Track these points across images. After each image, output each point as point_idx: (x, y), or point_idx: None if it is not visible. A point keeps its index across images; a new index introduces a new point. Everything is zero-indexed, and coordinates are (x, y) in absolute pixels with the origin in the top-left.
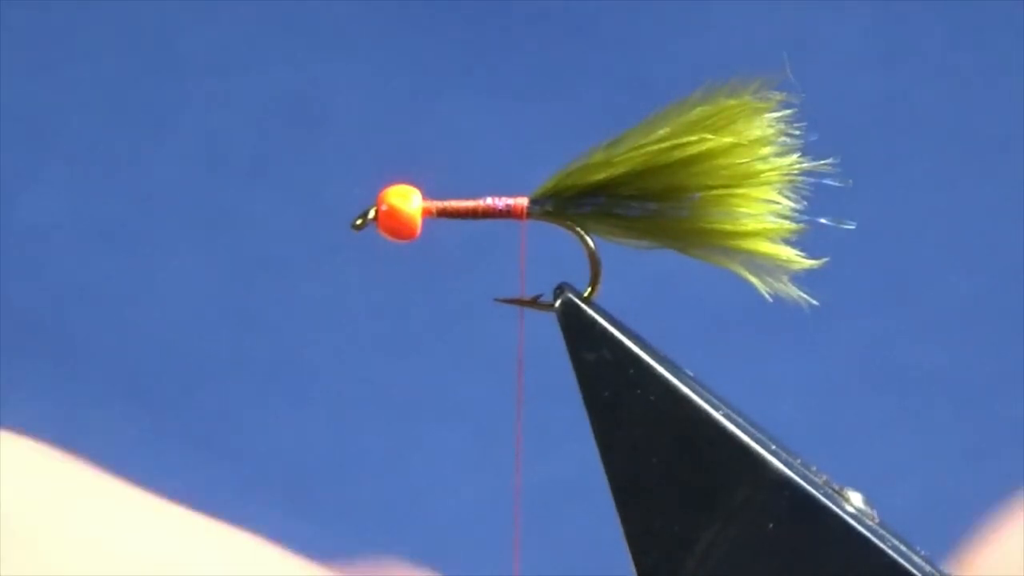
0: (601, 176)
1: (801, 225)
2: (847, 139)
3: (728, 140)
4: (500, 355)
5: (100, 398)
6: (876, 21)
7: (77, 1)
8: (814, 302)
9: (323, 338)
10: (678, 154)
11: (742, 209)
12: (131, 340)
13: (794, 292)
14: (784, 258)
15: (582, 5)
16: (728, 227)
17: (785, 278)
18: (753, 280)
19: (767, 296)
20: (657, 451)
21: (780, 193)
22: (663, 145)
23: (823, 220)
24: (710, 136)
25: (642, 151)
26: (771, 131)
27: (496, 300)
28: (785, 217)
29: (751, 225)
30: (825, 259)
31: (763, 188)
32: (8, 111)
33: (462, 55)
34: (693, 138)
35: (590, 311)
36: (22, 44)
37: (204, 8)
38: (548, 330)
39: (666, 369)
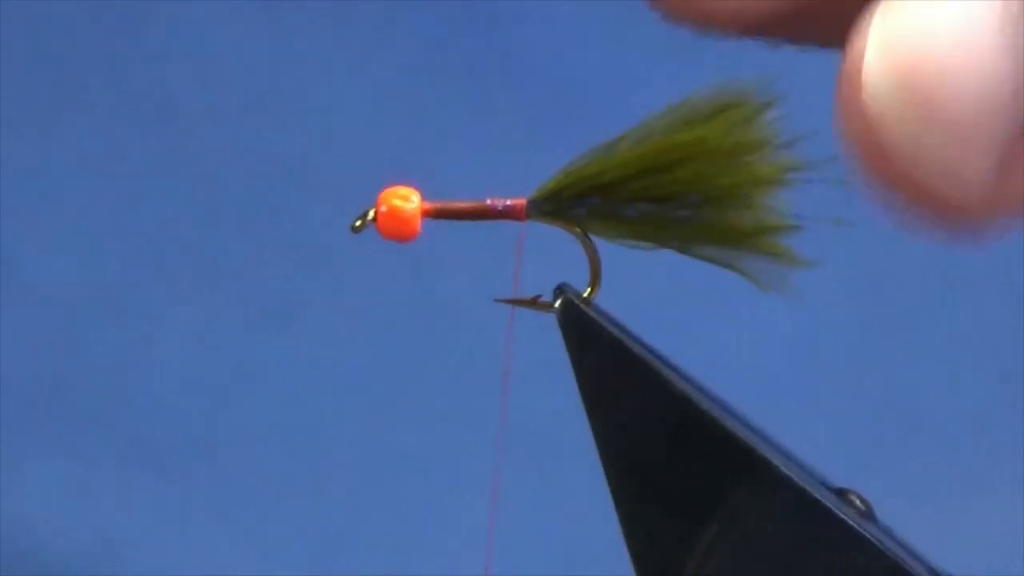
0: (600, 177)
1: (799, 225)
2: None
3: (726, 140)
4: (519, 422)
5: (111, 464)
6: None
7: (77, 60)
8: (806, 300)
9: (330, 396)
10: (676, 155)
11: (741, 209)
12: (140, 403)
13: (792, 292)
14: (783, 258)
15: (583, 7)
16: (727, 227)
17: (784, 279)
18: (753, 280)
19: (766, 294)
20: (657, 452)
21: (779, 193)
22: (661, 146)
23: (821, 220)
24: (707, 136)
25: (640, 152)
26: (769, 131)
27: (496, 300)
28: (784, 216)
29: (750, 225)
30: (821, 259)
31: (761, 188)
32: (6, 167)
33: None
34: (690, 138)
35: (590, 312)
36: (22, 103)
37: (203, 63)
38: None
39: (666, 370)
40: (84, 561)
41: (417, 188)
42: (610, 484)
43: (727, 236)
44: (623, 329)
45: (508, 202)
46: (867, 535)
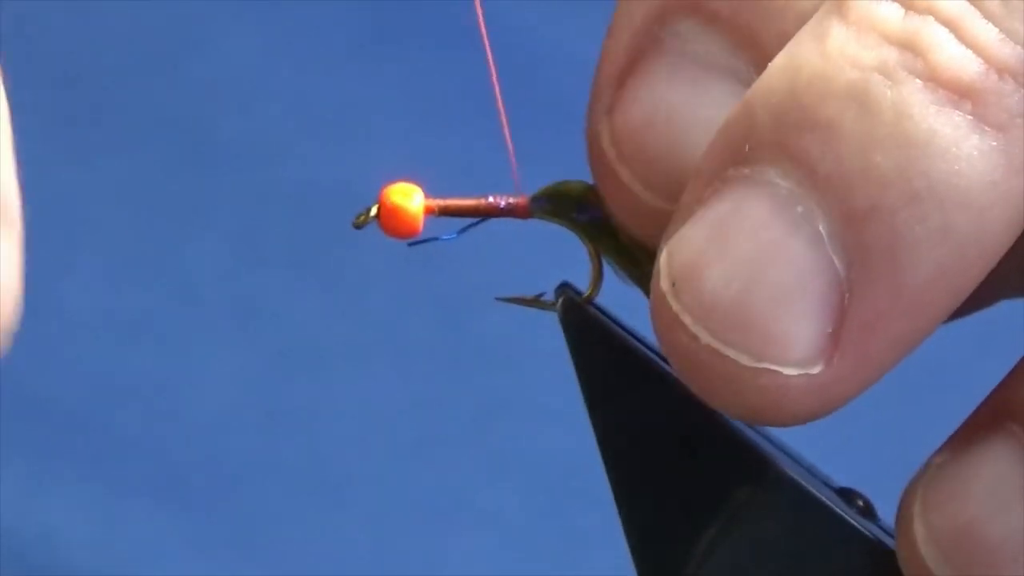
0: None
1: None
2: None
3: None
4: (537, 462)
5: (135, 494)
6: None
7: (114, 89)
8: None
9: (359, 436)
10: None
11: None
12: (166, 436)
13: None
14: None
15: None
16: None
17: None
18: None
19: None
20: (658, 450)
21: None
22: None
23: None
24: None
25: None
26: None
27: (497, 299)
28: None
29: None
30: None
31: None
32: (44, 200)
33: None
34: None
35: (591, 310)
36: (58, 132)
37: (242, 98)
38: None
39: (668, 368)
40: None
41: (420, 185)
42: (611, 482)
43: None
44: (625, 328)
45: (511, 199)
46: (869, 535)
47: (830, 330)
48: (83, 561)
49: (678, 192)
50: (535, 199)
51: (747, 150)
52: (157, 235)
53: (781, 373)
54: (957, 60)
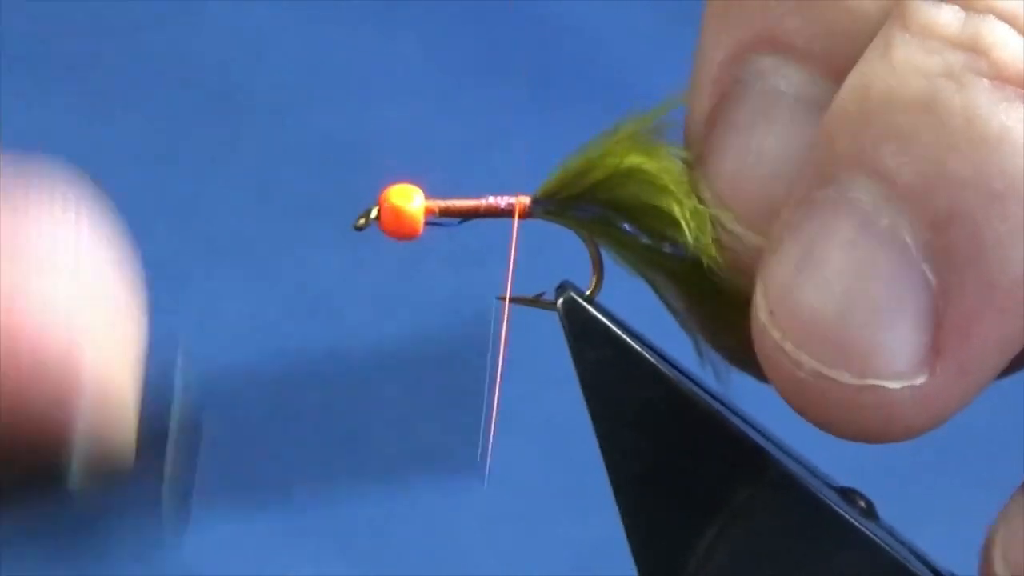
0: (597, 180)
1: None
2: None
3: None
4: (552, 416)
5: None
6: None
7: (135, 39)
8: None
9: (373, 384)
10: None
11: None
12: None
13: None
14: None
15: (585, 7)
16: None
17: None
18: (702, 358)
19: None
20: (659, 449)
21: None
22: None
23: None
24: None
25: (629, 157)
26: None
27: (499, 298)
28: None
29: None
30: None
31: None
32: (64, 147)
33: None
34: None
35: (592, 309)
36: (77, 80)
37: (262, 51)
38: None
39: (668, 368)
40: None
41: (421, 186)
42: (612, 482)
43: (686, 292)
44: (625, 327)
45: (511, 200)
46: (870, 534)
47: (929, 339)
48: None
49: None
50: (536, 200)
51: (828, 171)
52: (174, 180)
53: (885, 388)
54: (1021, 54)
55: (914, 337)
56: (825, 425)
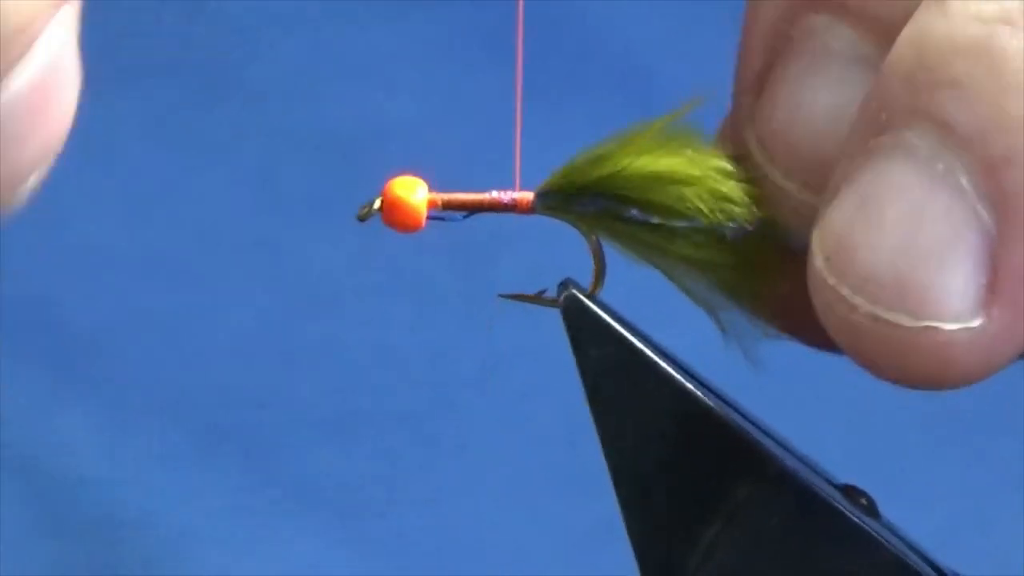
0: (605, 174)
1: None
2: None
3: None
4: (545, 399)
5: (148, 415)
6: None
7: (139, 23)
8: (768, 370)
9: (372, 374)
10: (672, 173)
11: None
12: (181, 365)
13: (755, 358)
14: (759, 316)
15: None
16: (719, 259)
17: (752, 338)
18: (724, 334)
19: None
20: (661, 447)
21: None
22: (663, 150)
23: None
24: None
25: (645, 154)
26: None
27: (500, 296)
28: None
29: (737, 265)
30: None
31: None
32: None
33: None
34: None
35: (594, 307)
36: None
37: (267, 39)
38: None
39: (670, 365)
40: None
41: (425, 179)
42: (613, 479)
43: (716, 270)
44: (627, 324)
45: (514, 195)
46: (870, 531)
47: (985, 281)
48: (95, 472)
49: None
50: (539, 195)
51: (884, 120)
52: (176, 167)
53: (942, 329)
54: None
55: (971, 279)
56: (882, 370)
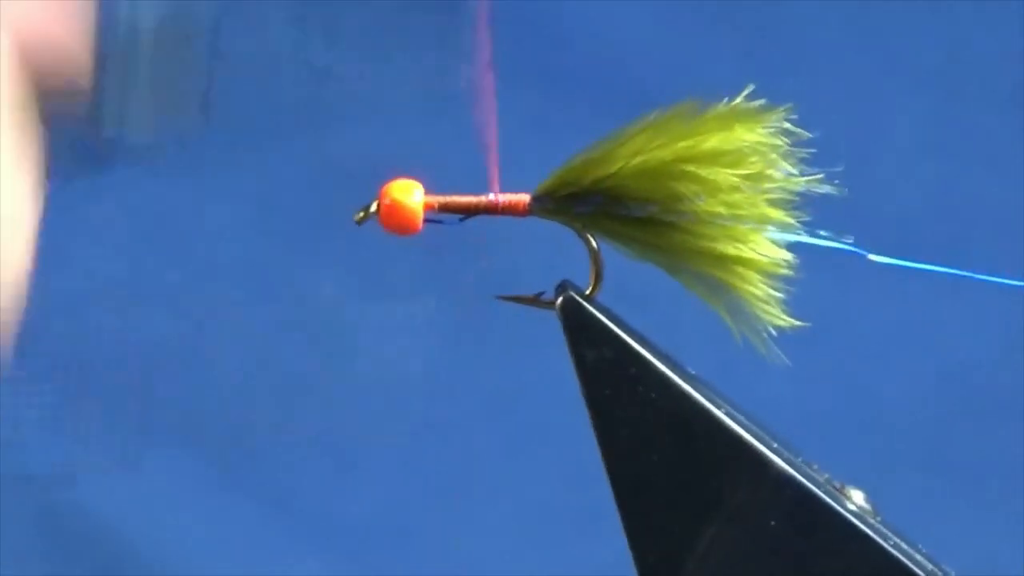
0: (602, 174)
1: (793, 271)
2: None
3: (727, 144)
4: (548, 431)
5: (157, 444)
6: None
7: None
8: (787, 361)
9: (374, 405)
10: (676, 156)
11: (738, 227)
12: (186, 395)
13: (767, 349)
14: (768, 312)
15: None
16: (721, 251)
17: (762, 332)
18: (731, 325)
19: (738, 342)
20: (658, 449)
21: (778, 208)
22: (662, 146)
23: (822, 233)
24: (709, 137)
25: (642, 152)
26: (769, 141)
27: (498, 298)
28: (779, 259)
29: (746, 253)
30: (807, 323)
31: (760, 202)
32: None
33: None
34: (692, 141)
35: (591, 309)
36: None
37: (261, 71)
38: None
39: (668, 367)
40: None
41: (422, 182)
42: (611, 481)
43: (719, 262)
44: (625, 326)
45: (511, 198)
46: (867, 531)
47: None
48: (103, 502)
49: None
50: (536, 198)
51: None
52: (176, 200)
53: None
54: None
55: None
56: None
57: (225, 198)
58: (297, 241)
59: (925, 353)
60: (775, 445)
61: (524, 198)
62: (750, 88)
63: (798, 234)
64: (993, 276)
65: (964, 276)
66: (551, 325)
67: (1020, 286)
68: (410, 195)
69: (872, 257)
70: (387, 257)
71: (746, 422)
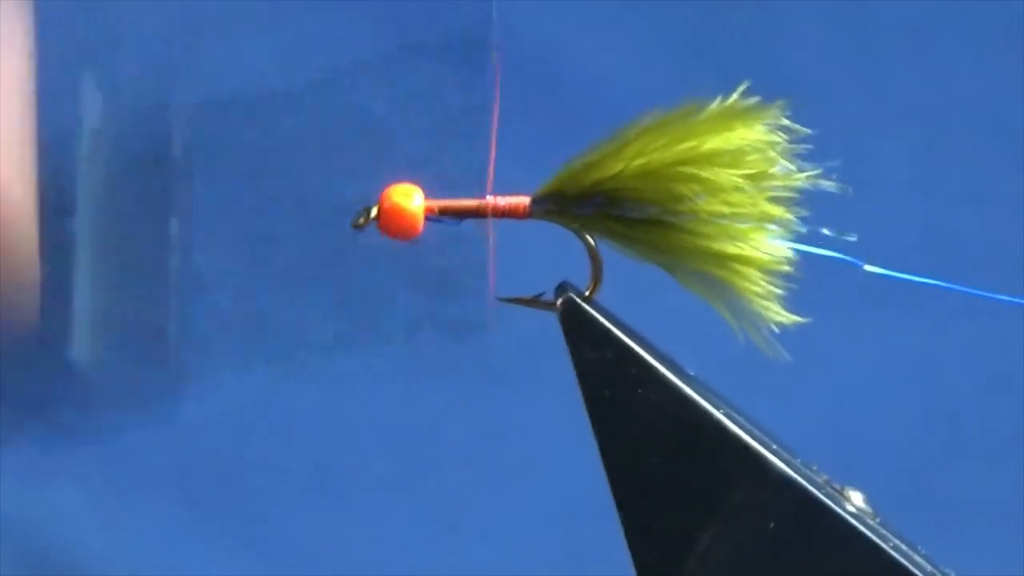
0: (603, 176)
1: (793, 268)
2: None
3: (727, 144)
4: (537, 471)
5: (144, 491)
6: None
7: (127, 93)
8: (787, 357)
9: (365, 445)
10: (677, 156)
11: (738, 225)
12: (175, 439)
13: (769, 345)
14: (768, 309)
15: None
16: (722, 249)
17: (763, 329)
18: (732, 324)
19: (741, 341)
20: (658, 450)
21: (778, 205)
22: (662, 147)
23: (825, 231)
24: (709, 137)
25: (643, 153)
26: (770, 140)
27: (498, 299)
28: (779, 256)
29: (746, 251)
30: (807, 319)
31: (760, 200)
32: (57, 204)
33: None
34: (692, 142)
35: (591, 310)
36: None
37: (253, 110)
38: None
39: (667, 368)
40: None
41: (421, 186)
42: (611, 482)
43: (719, 261)
44: (625, 327)
45: (511, 200)
46: (867, 532)
47: None
48: (89, 544)
49: None
50: (536, 200)
51: None
52: (164, 241)
53: None
54: None
55: None
56: None
57: (215, 236)
58: (284, 281)
59: (911, 390)
60: (774, 447)
61: (524, 200)
62: (746, 84)
63: (795, 242)
64: (988, 293)
65: (960, 291)
66: (540, 364)
67: (1015, 303)
68: (410, 199)
69: (868, 268)
70: (376, 293)
71: (746, 423)
